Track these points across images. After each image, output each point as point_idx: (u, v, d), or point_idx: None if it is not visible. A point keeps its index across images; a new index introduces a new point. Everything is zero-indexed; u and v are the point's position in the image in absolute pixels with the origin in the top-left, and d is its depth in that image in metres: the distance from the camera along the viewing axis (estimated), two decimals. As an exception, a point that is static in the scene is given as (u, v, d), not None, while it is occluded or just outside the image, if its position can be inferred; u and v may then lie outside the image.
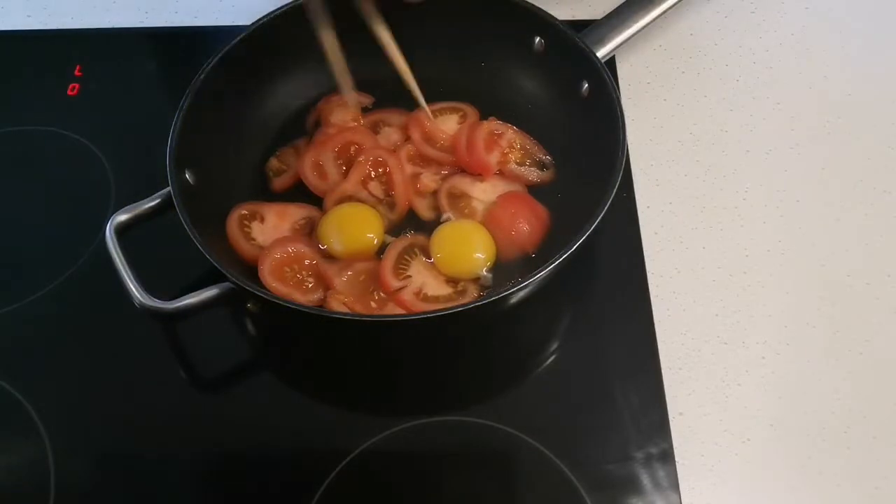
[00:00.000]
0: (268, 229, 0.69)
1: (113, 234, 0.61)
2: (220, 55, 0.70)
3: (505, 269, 0.67)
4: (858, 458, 0.61)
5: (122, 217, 0.63)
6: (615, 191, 0.61)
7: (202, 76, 0.68)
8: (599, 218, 0.60)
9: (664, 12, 0.76)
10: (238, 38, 0.71)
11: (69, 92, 0.81)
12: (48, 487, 0.60)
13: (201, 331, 0.67)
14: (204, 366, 0.67)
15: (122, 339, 0.67)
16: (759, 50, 0.83)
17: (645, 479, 0.60)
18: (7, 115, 0.80)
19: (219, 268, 0.59)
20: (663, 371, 0.64)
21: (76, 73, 0.82)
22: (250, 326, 0.68)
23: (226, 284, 0.59)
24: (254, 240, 0.68)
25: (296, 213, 0.70)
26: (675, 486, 0.59)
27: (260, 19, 0.72)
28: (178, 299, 0.59)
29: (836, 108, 0.79)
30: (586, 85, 0.70)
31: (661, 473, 0.60)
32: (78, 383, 0.65)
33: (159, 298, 0.59)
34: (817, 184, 0.74)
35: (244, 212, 0.69)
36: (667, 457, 0.60)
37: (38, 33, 0.86)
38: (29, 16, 0.88)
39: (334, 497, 0.59)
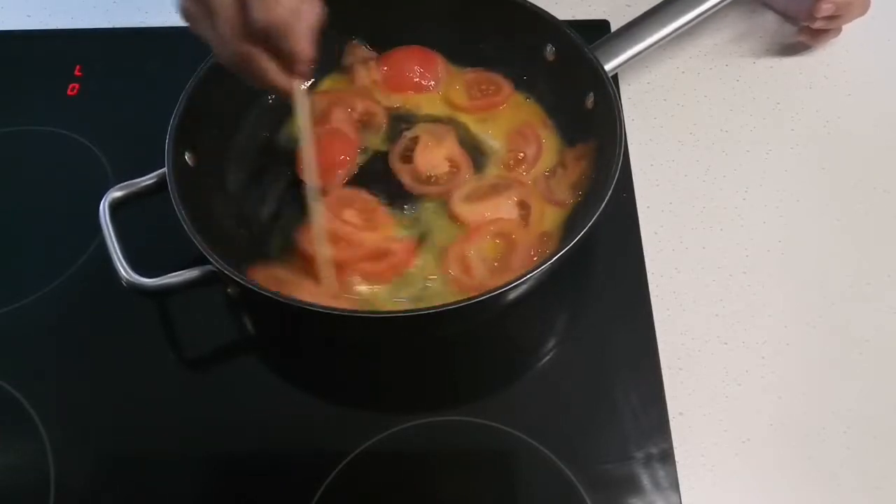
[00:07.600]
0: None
1: (107, 210, 0.62)
2: None
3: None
4: (858, 458, 0.61)
5: (117, 193, 0.63)
6: (603, 206, 0.60)
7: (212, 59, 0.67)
8: (592, 221, 0.60)
9: (676, 31, 0.75)
10: None
11: (69, 92, 0.81)
12: (48, 487, 0.60)
13: (201, 332, 0.67)
14: (205, 367, 0.67)
15: (123, 339, 0.67)
16: (759, 50, 0.83)
17: (645, 479, 0.60)
18: (7, 115, 0.80)
19: (201, 249, 0.58)
20: (663, 371, 0.64)
21: (76, 73, 0.82)
22: (250, 327, 0.69)
23: (207, 267, 0.59)
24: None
25: None
26: (675, 486, 0.59)
27: None
28: (160, 277, 0.59)
29: (836, 108, 0.79)
30: (592, 97, 0.70)
31: (661, 473, 0.60)
32: (78, 383, 0.65)
33: (144, 277, 0.59)
34: (817, 184, 0.74)
35: None
36: (667, 457, 0.60)
37: (38, 33, 0.86)
38: (29, 16, 0.88)
39: (334, 497, 0.59)
